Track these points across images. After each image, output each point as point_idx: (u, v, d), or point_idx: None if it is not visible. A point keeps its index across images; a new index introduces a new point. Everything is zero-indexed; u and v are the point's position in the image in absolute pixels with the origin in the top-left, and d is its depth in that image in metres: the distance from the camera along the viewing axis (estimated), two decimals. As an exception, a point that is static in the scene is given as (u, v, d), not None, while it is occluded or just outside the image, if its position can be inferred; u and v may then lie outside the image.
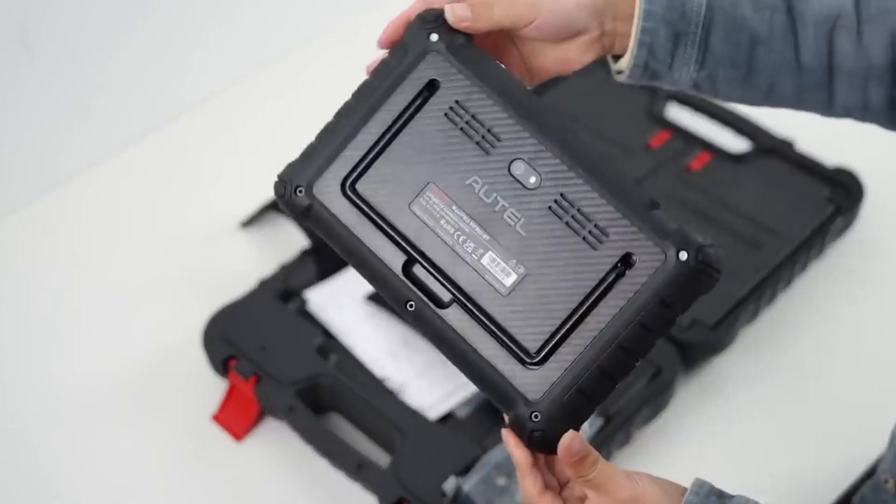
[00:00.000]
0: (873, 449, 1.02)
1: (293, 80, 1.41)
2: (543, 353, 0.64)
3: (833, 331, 1.11)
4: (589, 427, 0.95)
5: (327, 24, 1.47)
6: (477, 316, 0.65)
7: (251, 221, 1.23)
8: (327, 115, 1.45)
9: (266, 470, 1.03)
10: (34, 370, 1.13)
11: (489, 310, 0.66)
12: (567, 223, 0.65)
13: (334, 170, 0.70)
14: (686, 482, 0.73)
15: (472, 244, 0.66)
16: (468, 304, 0.66)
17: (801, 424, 1.05)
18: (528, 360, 0.65)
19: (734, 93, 0.76)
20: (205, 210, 1.26)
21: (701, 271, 0.64)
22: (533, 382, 0.64)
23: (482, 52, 0.70)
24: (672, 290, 0.64)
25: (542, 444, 0.64)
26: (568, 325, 0.64)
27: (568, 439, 0.64)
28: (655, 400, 1.00)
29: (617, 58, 0.75)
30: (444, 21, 0.70)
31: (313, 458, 0.99)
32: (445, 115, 0.68)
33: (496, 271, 0.66)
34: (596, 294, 0.64)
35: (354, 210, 0.68)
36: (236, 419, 1.05)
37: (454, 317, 0.66)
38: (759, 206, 1.16)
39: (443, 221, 0.67)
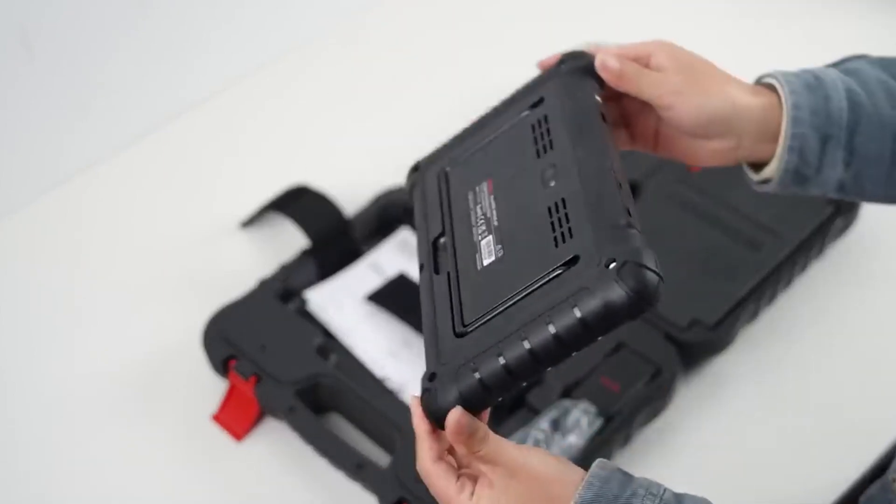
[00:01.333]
0: (874, 449, 1.02)
1: (293, 80, 1.41)
2: (469, 328, 0.66)
3: (833, 331, 1.11)
4: (588, 427, 0.95)
5: (327, 24, 1.47)
6: (451, 285, 0.70)
7: (251, 221, 1.23)
8: (327, 115, 1.47)
9: (266, 470, 1.03)
10: (34, 370, 1.13)
11: (461, 281, 0.70)
12: (552, 223, 0.67)
13: (446, 159, 0.81)
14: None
15: (483, 227, 0.72)
16: (454, 274, 0.70)
17: (801, 424, 1.05)
18: (458, 330, 0.67)
19: (879, 190, 0.78)
20: (205, 210, 1.26)
21: (624, 289, 0.61)
22: (450, 350, 0.66)
23: (593, 83, 0.76)
24: (589, 301, 0.61)
25: (430, 407, 0.66)
26: (499, 311, 0.65)
27: (455, 415, 0.64)
28: (655, 400, 1.00)
29: (756, 167, 0.78)
30: (579, 58, 0.78)
31: (313, 458, 0.99)
32: (532, 125, 0.76)
33: (484, 252, 0.70)
34: (533, 287, 0.65)
35: (436, 189, 0.78)
36: (236, 419, 1.05)
37: (438, 283, 0.71)
38: (759, 206, 1.16)
39: (479, 207, 0.74)
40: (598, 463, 0.66)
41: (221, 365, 1.04)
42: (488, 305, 0.66)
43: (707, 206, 1.16)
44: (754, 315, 1.10)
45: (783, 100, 0.75)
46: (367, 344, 1.09)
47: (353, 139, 1.34)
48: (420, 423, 0.67)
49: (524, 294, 0.65)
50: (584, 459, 0.95)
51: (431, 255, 0.74)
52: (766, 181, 0.77)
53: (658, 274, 0.62)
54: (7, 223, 1.25)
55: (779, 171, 0.75)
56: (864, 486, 0.96)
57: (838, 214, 1.14)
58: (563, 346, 0.63)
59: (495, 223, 0.71)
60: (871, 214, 1.18)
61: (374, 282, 1.14)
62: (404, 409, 1.00)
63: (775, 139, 0.75)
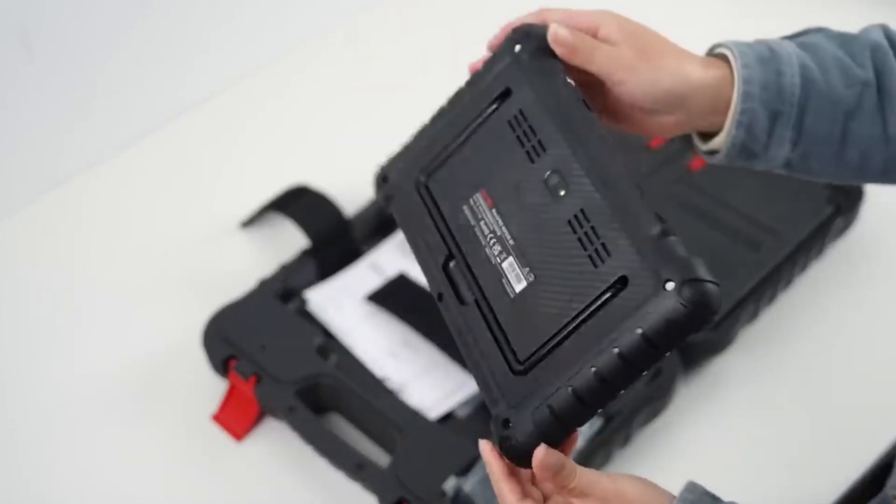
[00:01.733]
0: (874, 449, 1.02)
1: (293, 80, 1.41)
2: (529, 363, 0.65)
3: (833, 331, 1.11)
4: (588, 427, 0.95)
5: (327, 24, 1.47)
6: (486, 316, 0.67)
7: (251, 221, 1.23)
8: (327, 115, 1.47)
9: (266, 470, 1.03)
10: (34, 370, 1.13)
11: (497, 312, 0.67)
12: (579, 238, 0.65)
13: (416, 166, 0.76)
14: (686, 482, 0.74)
15: (498, 247, 0.69)
16: (483, 303, 0.68)
17: (801, 425, 1.05)
18: (515, 368, 0.65)
19: (826, 170, 0.75)
20: (205, 210, 1.26)
21: (688, 307, 0.60)
22: (514, 390, 0.65)
23: (558, 64, 0.71)
24: (654, 322, 0.61)
25: (512, 453, 0.65)
26: (556, 340, 0.64)
27: (541, 454, 0.63)
28: (655, 400, 1.00)
29: (705, 137, 0.75)
30: (533, 36, 0.72)
31: (313, 458, 0.99)
32: (508, 122, 0.71)
33: (511, 276, 0.68)
34: (586, 314, 0.63)
35: (421, 204, 0.74)
36: (236, 419, 1.05)
37: (469, 314, 0.68)
38: (759, 206, 1.16)
39: (482, 223, 0.70)
40: (687, 486, 0.66)
41: (221, 365, 1.04)
42: (541, 338, 0.65)
43: (707, 207, 1.16)
44: (754, 315, 1.10)
45: (734, 73, 0.72)
46: (366, 344, 1.09)
47: (353, 139, 1.34)
48: (495, 465, 0.66)
49: (577, 322, 0.64)
50: (584, 460, 0.95)
51: (448, 284, 0.70)
52: (713, 152, 0.74)
53: (714, 282, 0.61)
54: (7, 223, 1.25)
55: (726, 145, 0.73)
56: (863, 486, 0.96)
57: (838, 214, 1.14)
58: (633, 369, 0.62)
59: (511, 242, 0.68)
60: (872, 214, 1.18)
61: (374, 282, 1.14)
62: (404, 409, 1.00)
63: (726, 112, 0.72)
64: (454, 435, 0.98)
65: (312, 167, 1.27)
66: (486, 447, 0.67)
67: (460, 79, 1.39)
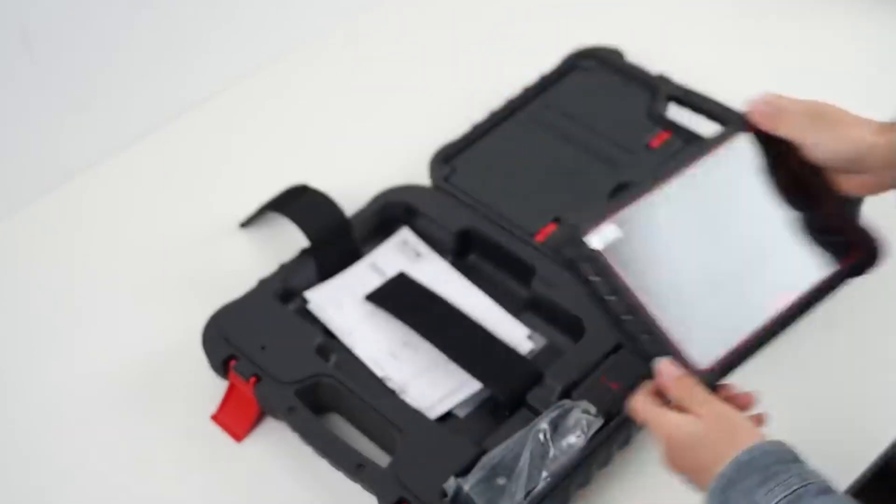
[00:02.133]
0: (875, 448, 1.02)
1: (293, 81, 1.41)
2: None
3: (834, 330, 1.11)
4: (588, 427, 0.95)
5: (327, 24, 1.47)
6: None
7: (251, 221, 1.23)
8: (327, 115, 1.47)
9: (266, 470, 1.03)
10: (33, 370, 1.13)
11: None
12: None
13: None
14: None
15: None
16: None
17: (801, 425, 1.04)
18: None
19: None
20: (204, 210, 1.26)
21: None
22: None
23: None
24: None
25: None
26: None
27: (664, 362, 0.81)
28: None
29: None
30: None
31: (313, 459, 0.99)
32: None
33: None
34: None
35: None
36: (236, 419, 1.05)
37: None
38: (760, 205, 1.16)
39: None
40: (772, 440, 0.77)
41: (221, 365, 1.04)
42: None
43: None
44: (754, 315, 1.10)
45: None
46: (367, 344, 1.09)
47: (353, 139, 1.34)
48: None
49: None
50: (584, 459, 0.95)
51: None
52: None
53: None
54: (7, 223, 1.26)
55: None
56: (864, 485, 0.96)
57: (838, 214, 1.14)
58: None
59: None
60: (872, 214, 1.18)
61: (375, 282, 1.13)
62: (404, 409, 1.00)
63: None
64: (454, 435, 0.98)
65: (312, 167, 1.27)
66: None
67: (460, 79, 1.40)
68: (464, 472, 0.94)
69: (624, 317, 0.81)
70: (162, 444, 1.05)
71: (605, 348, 1.02)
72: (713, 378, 0.82)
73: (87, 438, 1.06)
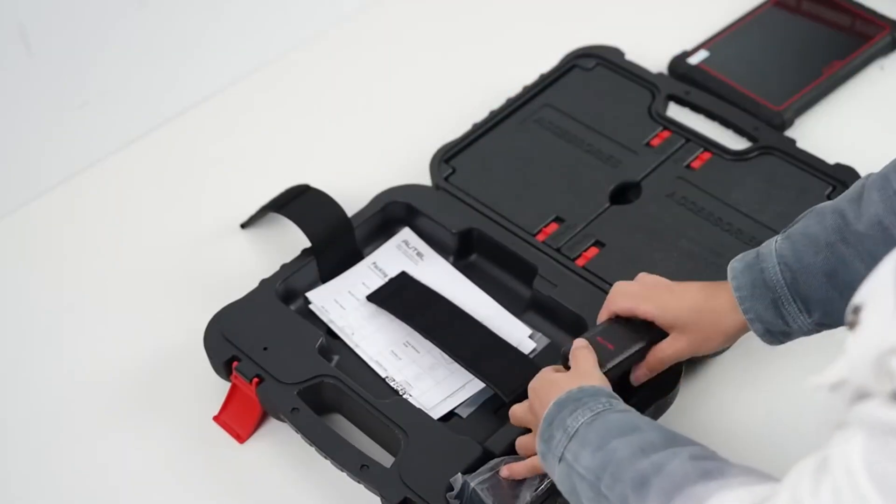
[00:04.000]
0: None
1: (292, 81, 1.41)
2: None
3: (835, 329, 1.11)
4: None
5: (327, 24, 1.47)
6: None
7: (252, 221, 1.23)
8: (328, 115, 1.47)
9: (269, 471, 1.03)
10: (34, 371, 1.12)
11: None
12: None
13: None
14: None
15: None
16: None
17: (802, 425, 1.05)
18: None
19: None
20: (205, 210, 1.26)
21: None
22: None
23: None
24: None
25: None
26: None
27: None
28: (656, 400, 1.00)
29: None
30: None
31: (316, 459, 0.99)
32: None
33: None
34: None
35: None
36: (239, 420, 1.05)
37: None
38: (760, 203, 1.16)
39: None
40: (593, 385, 0.86)
41: (223, 366, 1.04)
42: None
43: (708, 204, 1.16)
44: (755, 314, 1.10)
45: (731, 286, 0.92)
46: (369, 344, 1.09)
47: (354, 139, 1.34)
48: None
49: None
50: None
51: None
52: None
53: None
54: (6, 223, 1.25)
55: (758, 336, 0.92)
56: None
57: (839, 213, 1.14)
58: None
59: None
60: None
61: (376, 282, 1.13)
62: (407, 409, 1.00)
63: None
64: (457, 434, 0.98)
65: (313, 167, 1.27)
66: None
67: (460, 78, 1.40)
68: (468, 470, 0.94)
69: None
70: (164, 446, 1.05)
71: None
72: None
73: (89, 439, 1.06)
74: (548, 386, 0.88)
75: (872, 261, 0.82)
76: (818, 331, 0.92)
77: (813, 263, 0.88)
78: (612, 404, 0.84)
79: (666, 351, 0.95)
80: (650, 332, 0.96)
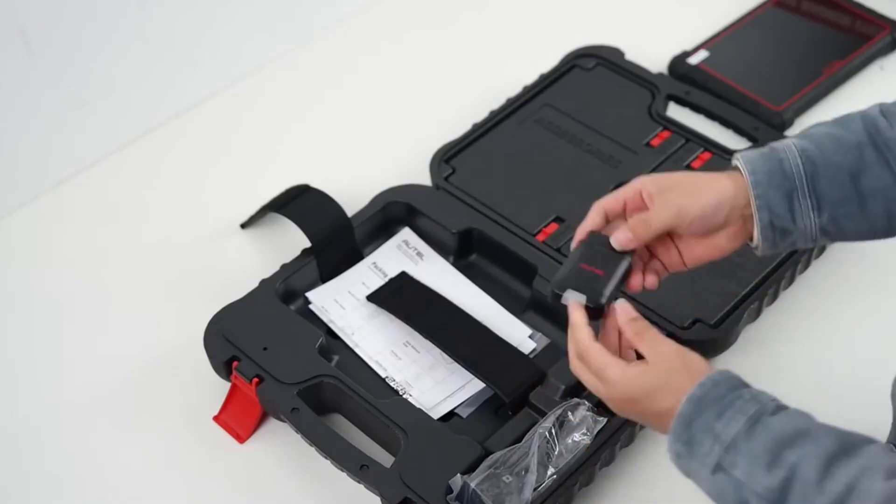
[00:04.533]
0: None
1: (293, 81, 1.41)
2: None
3: (835, 329, 1.11)
4: (594, 424, 0.95)
5: (327, 24, 1.47)
6: None
7: (252, 222, 1.23)
8: (328, 115, 1.47)
9: (269, 471, 1.03)
10: (34, 371, 1.12)
11: None
12: None
13: None
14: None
15: None
16: None
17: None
18: None
19: (860, 227, 0.88)
20: (205, 210, 1.26)
21: None
22: None
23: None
24: None
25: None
26: None
27: (622, 302, 0.85)
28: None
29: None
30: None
31: (316, 459, 0.99)
32: None
33: None
34: None
35: None
36: (239, 420, 1.05)
37: None
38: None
39: None
40: (720, 370, 0.79)
41: (223, 366, 1.04)
42: None
43: (708, 205, 1.16)
44: (757, 314, 1.10)
45: (742, 171, 0.87)
46: (369, 344, 1.09)
47: (354, 139, 1.34)
48: (579, 317, 0.85)
49: None
50: (589, 457, 0.95)
51: None
52: (757, 245, 0.88)
53: None
54: (6, 223, 1.25)
55: (758, 229, 0.86)
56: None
57: (839, 213, 1.14)
58: None
59: None
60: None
61: (376, 282, 1.13)
62: (407, 409, 1.00)
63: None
64: (457, 434, 0.98)
65: (313, 167, 1.27)
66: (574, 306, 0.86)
67: (460, 78, 1.40)
68: (468, 471, 0.94)
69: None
70: (164, 446, 1.05)
71: (608, 348, 1.03)
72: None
73: (89, 440, 1.06)
74: (651, 391, 0.80)
75: None
76: (814, 244, 0.88)
77: (839, 161, 0.85)
78: (758, 398, 0.77)
79: (649, 213, 0.87)
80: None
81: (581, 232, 0.90)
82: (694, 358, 0.81)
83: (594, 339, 0.84)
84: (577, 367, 0.85)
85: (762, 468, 0.73)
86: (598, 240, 0.89)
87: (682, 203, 0.86)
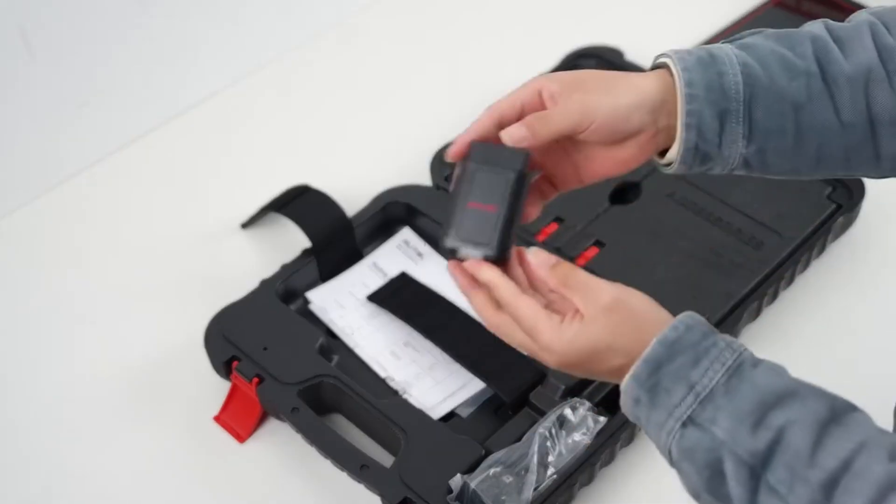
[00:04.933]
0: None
1: (293, 81, 1.41)
2: None
3: (836, 328, 1.11)
4: (594, 424, 0.95)
5: (327, 24, 1.47)
6: None
7: (252, 222, 1.23)
8: (328, 115, 1.47)
9: (269, 471, 1.03)
10: (35, 371, 1.12)
11: None
12: None
13: None
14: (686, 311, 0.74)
15: None
16: None
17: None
18: None
19: (785, 164, 0.77)
20: (205, 210, 1.26)
21: None
22: None
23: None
24: None
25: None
26: None
27: (534, 250, 0.73)
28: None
29: (663, 153, 0.77)
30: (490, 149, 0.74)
31: (316, 459, 0.99)
32: None
33: None
34: None
35: None
36: (239, 420, 1.05)
37: None
38: (761, 204, 1.16)
39: None
40: (688, 313, 0.70)
41: (223, 366, 1.04)
42: None
43: (708, 205, 1.16)
44: (756, 314, 1.10)
45: (676, 78, 0.74)
46: (369, 344, 1.09)
47: (354, 139, 1.34)
48: (486, 272, 0.72)
49: None
50: (589, 457, 0.95)
51: None
52: (670, 164, 0.76)
53: None
54: (7, 223, 1.25)
55: (679, 151, 0.74)
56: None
57: (839, 212, 1.14)
58: None
59: None
60: (873, 212, 1.18)
61: (376, 282, 1.13)
62: (407, 410, 1.00)
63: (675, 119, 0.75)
64: (457, 434, 0.98)
65: (313, 167, 1.27)
66: (454, 266, 0.74)
67: (460, 78, 1.40)
68: (468, 471, 0.94)
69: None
70: (164, 446, 1.05)
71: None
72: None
73: (89, 440, 1.06)
74: (600, 348, 0.70)
75: (852, 113, 0.74)
76: (728, 173, 0.77)
77: (783, 88, 0.74)
78: (732, 346, 0.69)
79: (551, 110, 0.74)
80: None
81: (461, 142, 0.76)
82: (636, 300, 0.71)
83: (519, 291, 0.72)
84: (498, 323, 0.73)
85: (747, 428, 0.66)
86: (483, 154, 0.74)
87: (591, 101, 0.73)
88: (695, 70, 0.74)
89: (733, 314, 1.07)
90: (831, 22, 0.78)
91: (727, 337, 0.70)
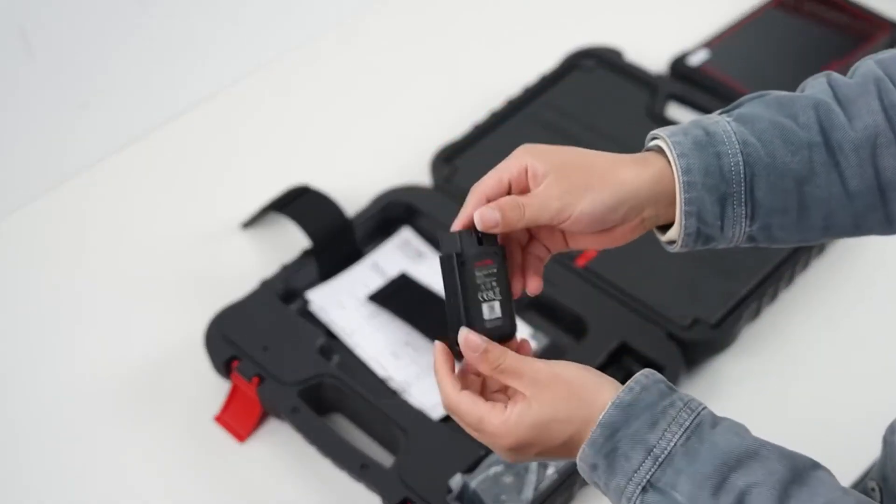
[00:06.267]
0: (875, 448, 1.02)
1: (293, 81, 1.41)
2: None
3: (835, 329, 1.11)
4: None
5: (327, 24, 1.47)
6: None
7: (252, 222, 1.23)
8: (328, 115, 1.47)
9: (269, 471, 1.03)
10: (35, 371, 1.12)
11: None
12: None
13: None
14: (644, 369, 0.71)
15: None
16: None
17: (803, 423, 1.05)
18: None
19: (791, 237, 0.74)
20: (205, 210, 1.26)
21: None
22: None
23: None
24: None
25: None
26: None
27: (464, 333, 0.69)
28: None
29: (663, 228, 0.74)
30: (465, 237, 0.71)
31: (317, 459, 0.99)
32: None
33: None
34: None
35: None
36: (239, 420, 1.05)
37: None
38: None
39: None
40: (643, 371, 0.67)
41: (224, 366, 1.04)
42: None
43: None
44: (756, 314, 1.10)
45: (673, 165, 0.71)
46: (369, 344, 1.09)
47: (355, 139, 1.34)
48: (440, 363, 0.70)
49: None
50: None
51: None
52: (672, 242, 0.73)
53: None
54: (7, 223, 1.25)
55: (680, 236, 0.72)
56: (864, 484, 0.96)
57: (839, 213, 1.14)
58: None
59: None
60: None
61: (376, 282, 1.13)
62: (407, 409, 1.00)
63: (673, 203, 0.72)
64: (457, 434, 0.97)
65: (313, 168, 1.27)
66: (438, 347, 0.71)
67: (461, 79, 1.40)
68: (468, 470, 0.94)
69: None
70: (164, 445, 1.05)
71: (608, 347, 1.03)
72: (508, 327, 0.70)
73: (89, 439, 1.06)
74: (545, 426, 0.68)
75: (859, 181, 0.71)
76: (737, 245, 0.74)
77: (786, 164, 0.71)
78: (690, 405, 0.66)
79: (527, 198, 0.71)
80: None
81: (454, 228, 0.72)
82: (571, 371, 0.68)
83: (457, 388, 0.70)
84: (455, 417, 0.71)
85: (707, 492, 0.63)
86: (447, 245, 0.72)
87: (570, 197, 0.70)
88: (691, 154, 0.70)
89: (733, 314, 1.07)
90: (836, 77, 0.74)
91: (686, 395, 0.67)
